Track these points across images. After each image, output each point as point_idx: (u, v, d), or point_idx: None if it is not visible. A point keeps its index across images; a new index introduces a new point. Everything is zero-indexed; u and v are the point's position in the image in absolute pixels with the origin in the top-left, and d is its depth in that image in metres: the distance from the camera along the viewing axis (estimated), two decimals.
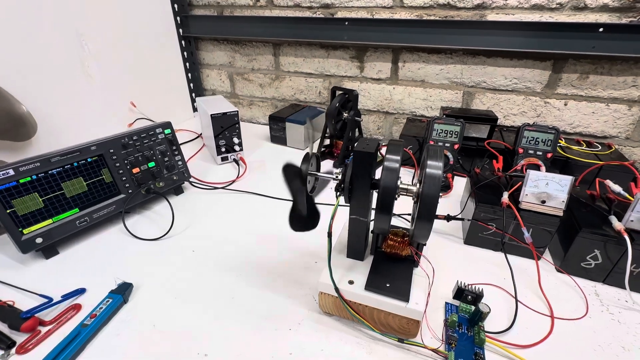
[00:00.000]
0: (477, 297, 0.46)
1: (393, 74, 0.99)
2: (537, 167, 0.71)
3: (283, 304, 0.49)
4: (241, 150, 0.92)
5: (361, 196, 0.41)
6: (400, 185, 0.39)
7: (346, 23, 0.95)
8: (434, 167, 0.34)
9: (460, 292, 0.47)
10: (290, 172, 0.40)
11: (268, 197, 0.76)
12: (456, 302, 0.48)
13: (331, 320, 0.46)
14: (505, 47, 0.82)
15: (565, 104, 0.86)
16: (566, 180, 0.52)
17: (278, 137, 1.03)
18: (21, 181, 0.53)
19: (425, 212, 0.34)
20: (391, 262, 0.46)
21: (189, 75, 1.23)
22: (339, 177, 0.42)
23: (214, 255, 0.59)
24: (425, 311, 0.41)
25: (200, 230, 0.65)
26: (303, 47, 1.07)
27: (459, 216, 0.63)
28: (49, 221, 0.57)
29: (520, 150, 0.73)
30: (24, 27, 0.73)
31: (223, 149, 0.89)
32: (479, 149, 0.82)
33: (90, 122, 0.90)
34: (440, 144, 0.78)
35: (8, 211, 0.52)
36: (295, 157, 0.96)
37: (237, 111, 0.87)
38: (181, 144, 0.84)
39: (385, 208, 0.36)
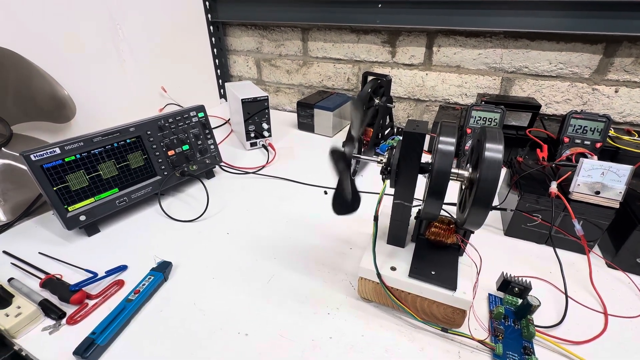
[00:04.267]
0: (525, 289, 0.44)
1: (427, 59, 0.95)
2: (586, 157, 0.66)
3: (320, 289, 0.48)
4: (270, 136, 0.91)
5: (408, 180, 0.39)
6: (452, 170, 0.37)
7: (379, 5, 0.91)
8: (495, 150, 0.32)
9: (506, 284, 0.45)
10: (337, 155, 0.39)
11: (299, 183, 0.75)
12: (500, 294, 0.47)
13: (370, 307, 0.46)
14: (552, 29, 0.77)
15: (616, 91, 0.80)
16: (625, 170, 0.49)
17: (306, 124, 1.02)
18: (66, 160, 0.54)
19: (483, 198, 0.32)
20: (435, 249, 0.44)
21: (217, 61, 1.23)
22: (384, 160, 0.40)
23: (249, 238, 0.59)
24: (472, 301, 0.39)
25: (233, 214, 0.66)
26: (333, 31, 1.04)
27: (500, 206, 0.60)
28: (91, 200, 0.58)
29: (566, 140, 0.69)
30: (63, 12, 0.75)
31: (252, 135, 0.89)
32: (518, 138, 0.78)
33: (123, 107, 0.92)
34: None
35: (54, 188, 0.53)
36: (327, 143, 0.95)
37: (267, 96, 0.87)
38: None
39: (438, 193, 0.35)
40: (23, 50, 0.66)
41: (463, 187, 0.40)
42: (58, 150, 0.53)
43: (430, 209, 0.37)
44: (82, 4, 0.78)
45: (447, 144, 0.34)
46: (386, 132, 0.91)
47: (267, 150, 0.89)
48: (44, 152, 0.52)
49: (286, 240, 0.58)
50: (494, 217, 0.63)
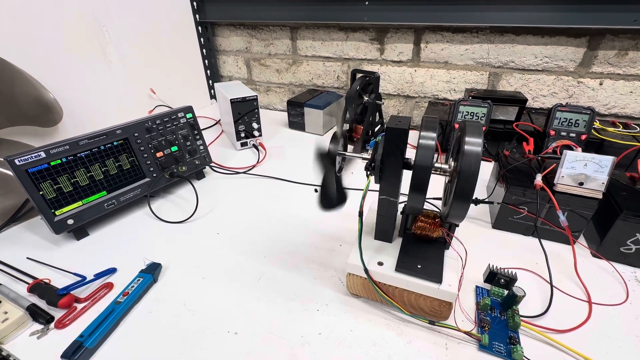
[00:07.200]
0: (511, 280, 0.45)
1: (415, 55, 0.96)
2: (571, 149, 0.67)
3: (309, 286, 0.49)
4: (260, 135, 0.91)
5: (392, 176, 0.39)
6: (434, 164, 0.37)
7: (366, 3, 0.91)
8: (474, 144, 0.32)
9: (492, 276, 0.46)
10: (321, 154, 0.39)
11: (289, 181, 0.75)
12: (487, 286, 0.47)
13: (359, 302, 0.46)
14: (537, 23, 0.78)
15: (601, 84, 0.82)
16: (607, 161, 0.49)
17: (296, 122, 1.02)
18: (52, 164, 0.54)
19: (463, 191, 0.33)
20: (421, 243, 0.44)
21: (206, 62, 1.22)
22: (368, 156, 0.40)
23: (239, 237, 0.59)
24: (458, 293, 0.39)
25: (224, 214, 0.65)
26: (321, 29, 1.04)
27: (488, 200, 0.61)
28: (79, 203, 0.58)
29: (552, 132, 0.70)
30: (48, 15, 0.74)
31: (242, 135, 0.89)
32: (506, 132, 0.79)
33: (112, 109, 0.92)
34: None
35: (41, 193, 0.53)
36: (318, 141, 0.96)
37: (256, 96, 0.87)
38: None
39: (420, 187, 0.35)
40: (5, 52, 0.65)
41: (447, 181, 0.41)
42: (43, 154, 0.53)
43: (414, 204, 0.37)
44: (65, 5, 0.77)
45: (428, 138, 0.35)
46: (376, 129, 0.91)
47: (257, 149, 0.89)
48: (29, 156, 0.51)
49: (276, 238, 0.58)
50: (482, 211, 0.63)
